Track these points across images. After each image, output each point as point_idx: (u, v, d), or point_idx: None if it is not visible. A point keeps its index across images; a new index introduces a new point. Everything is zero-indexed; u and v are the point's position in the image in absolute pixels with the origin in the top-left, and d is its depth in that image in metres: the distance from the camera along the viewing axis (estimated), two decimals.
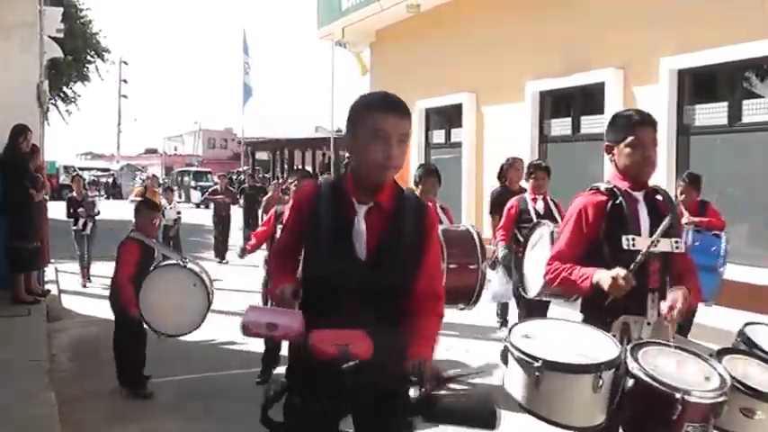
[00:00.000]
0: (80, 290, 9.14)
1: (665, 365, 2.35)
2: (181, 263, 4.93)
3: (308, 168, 37.23)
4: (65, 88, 23.96)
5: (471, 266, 4.77)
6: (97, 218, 10.29)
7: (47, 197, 8.25)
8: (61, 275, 9.95)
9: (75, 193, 10.23)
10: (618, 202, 2.74)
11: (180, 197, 25.69)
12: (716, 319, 5.99)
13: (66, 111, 24.57)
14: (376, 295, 2.13)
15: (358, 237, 2.18)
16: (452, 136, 12.18)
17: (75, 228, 10.00)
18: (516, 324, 2.53)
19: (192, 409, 4.83)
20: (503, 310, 7.06)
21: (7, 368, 5.12)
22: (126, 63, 43.15)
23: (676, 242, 2.74)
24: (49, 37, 9.90)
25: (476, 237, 4.89)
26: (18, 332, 6.32)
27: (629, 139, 2.77)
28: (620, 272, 2.54)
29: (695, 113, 7.99)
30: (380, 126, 2.13)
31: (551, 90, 9.90)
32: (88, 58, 24.32)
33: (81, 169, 34.34)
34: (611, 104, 8.71)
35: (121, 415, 4.74)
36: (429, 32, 12.21)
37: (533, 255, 5.04)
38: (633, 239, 2.69)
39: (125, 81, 45.40)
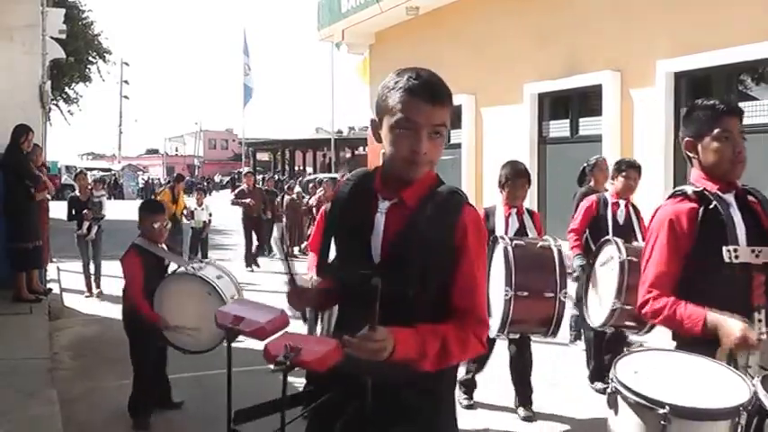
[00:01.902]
0: (82, 288, 9.00)
1: None
2: (190, 270, 4.40)
3: (309, 169, 37.34)
4: (67, 89, 23.99)
5: (547, 295, 4.13)
6: (103, 220, 9.18)
7: (49, 197, 8.27)
8: (63, 274, 9.93)
9: (78, 193, 9.16)
10: (712, 207, 2.35)
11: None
12: None
13: (68, 111, 24.64)
14: (388, 304, 1.71)
15: (376, 235, 1.90)
16: (452, 137, 12.20)
17: (78, 232, 8.86)
18: (620, 358, 2.10)
19: (193, 407, 4.87)
20: (575, 321, 6.36)
21: (9, 366, 5.13)
22: (127, 64, 43.11)
23: None
24: (52, 38, 9.95)
25: (556, 256, 4.23)
26: (19, 330, 6.33)
27: (716, 131, 2.41)
28: (748, 331, 2.13)
29: None
30: (407, 115, 1.80)
31: (549, 92, 9.94)
32: (90, 59, 24.38)
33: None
34: (609, 106, 8.77)
35: (123, 413, 4.76)
36: (428, 34, 12.24)
37: (598, 278, 4.55)
38: (736, 251, 2.29)
39: (126, 82, 45.34)
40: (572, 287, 5.55)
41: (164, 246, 4.66)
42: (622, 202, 5.24)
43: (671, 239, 2.36)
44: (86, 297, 8.80)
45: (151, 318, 4.29)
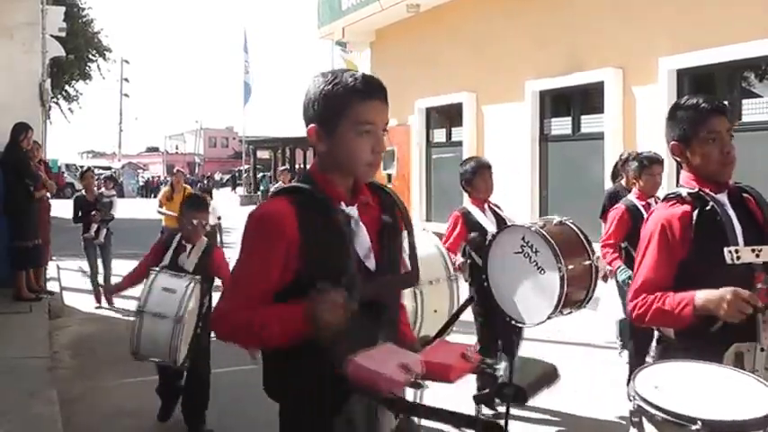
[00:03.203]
0: (82, 287, 8.93)
1: None
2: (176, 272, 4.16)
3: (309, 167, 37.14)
4: (67, 87, 24.01)
5: (585, 262, 4.10)
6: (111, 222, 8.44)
7: (49, 195, 8.24)
8: (63, 273, 9.92)
9: (85, 193, 8.44)
10: (708, 208, 2.28)
11: None
12: None
13: (69, 109, 24.66)
14: (386, 308, 1.82)
15: (362, 244, 1.81)
16: (453, 135, 12.19)
17: (85, 235, 8.17)
18: (637, 373, 2.00)
19: None
20: (623, 330, 6.01)
21: (8, 366, 5.12)
22: (127, 62, 43.14)
23: None
24: (51, 36, 9.94)
25: (574, 227, 4.23)
26: (19, 329, 6.33)
27: (702, 132, 2.33)
28: (739, 292, 2.09)
29: None
30: (366, 118, 1.77)
31: (551, 89, 9.91)
32: (90, 56, 24.40)
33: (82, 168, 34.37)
34: (611, 104, 8.74)
35: (123, 413, 4.76)
36: (429, 32, 12.22)
37: None
38: (737, 251, 2.21)
39: (126, 80, 45.41)
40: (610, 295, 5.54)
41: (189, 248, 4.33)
42: (652, 201, 4.82)
43: (662, 245, 2.30)
44: (96, 308, 8.18)
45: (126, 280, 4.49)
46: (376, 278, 1.81)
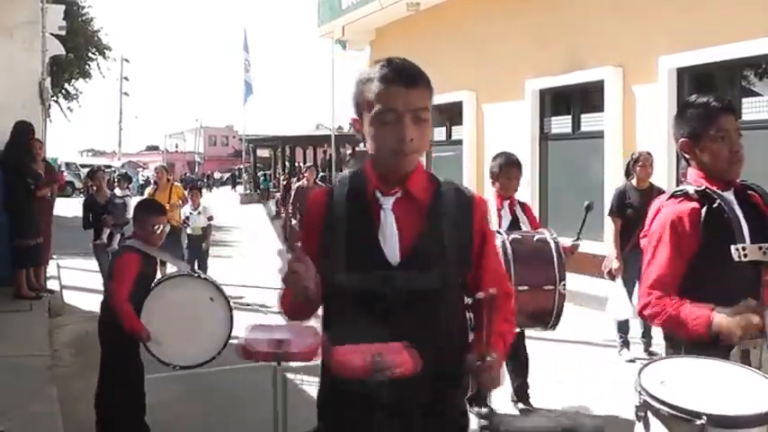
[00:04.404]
0: (82, 285, 8.96)
1: None
2: (190, 272, 4.09)
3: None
4: (66, 85, 23.98)
5: (546, 287, 4.10)
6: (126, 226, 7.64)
7: (49, 194, 8.21)
8: (63, 271, 9.91)
9: (95, 194, 7.88)
10: (715, 205, 2.29)
11: None
12: None
13: (68, 108, 24.64)
14: (416, 306, 1.70)
15: (387, 235, 1.75)
16: (453, 134, 12.20)
17: (96, 242, 7.59)
18: (643, 368, 2.00)
19: (193, 404, 4.85)
20: (623, 328, 6.05)
21: (8, 364, 5.12)
22: (127, 61, 43.07)
23: None
24: (51, 35, 9.93)
25: (554, 248, 4.18)
26: (20, 328, 6.33)
27: (712, 131, 2.34)
28: (748, 322, 2.09)
29: None
30: (386, 104, 1.71)
31: (551, 88, 9.92)
32: (90, 55, 24.36)
33: (82, 167, 34.39)
34: (611, 103, 8.75)
35: None
36: (429, 30, 12.21)
37: None
38: (744, 249, 2.23)
39: (126, 78, 45.29)
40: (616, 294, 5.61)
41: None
42: None
43: (673, 241, 2.29)
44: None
45: (133, 327, 3.74)
46: (396, 272, 1.73)
